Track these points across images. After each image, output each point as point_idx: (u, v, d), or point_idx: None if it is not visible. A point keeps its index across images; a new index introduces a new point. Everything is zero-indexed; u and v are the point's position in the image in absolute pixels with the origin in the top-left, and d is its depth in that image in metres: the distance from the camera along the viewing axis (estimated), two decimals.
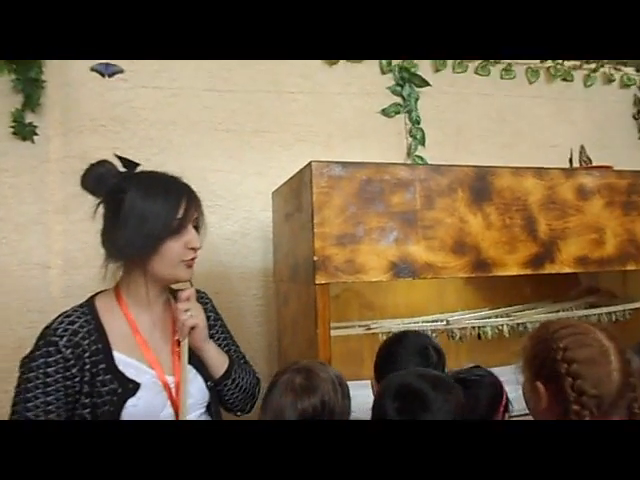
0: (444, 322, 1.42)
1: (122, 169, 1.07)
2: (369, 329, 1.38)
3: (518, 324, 1.47)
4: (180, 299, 1.05)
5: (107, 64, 1.71)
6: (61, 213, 1.67)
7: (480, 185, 1.35)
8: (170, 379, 1.02)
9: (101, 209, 1.06)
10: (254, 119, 1.88)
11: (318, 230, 1.22)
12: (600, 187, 1.47)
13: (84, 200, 1.66)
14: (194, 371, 1.06)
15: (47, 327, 1.01)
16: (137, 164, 1.09)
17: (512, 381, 1.10)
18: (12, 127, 1.63)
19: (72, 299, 1.63)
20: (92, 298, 1.07)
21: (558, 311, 1.59)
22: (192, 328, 1.03)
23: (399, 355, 1.20)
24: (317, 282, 1.21)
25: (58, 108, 1.69)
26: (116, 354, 1.00)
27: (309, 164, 1.24)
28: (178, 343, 1.06)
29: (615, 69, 2.35)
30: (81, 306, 1.05)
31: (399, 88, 2.04)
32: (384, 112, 2.03)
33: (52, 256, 1.65)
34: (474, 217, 1.34)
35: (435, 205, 1.31)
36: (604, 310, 1.59)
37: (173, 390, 1.02)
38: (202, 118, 1.82)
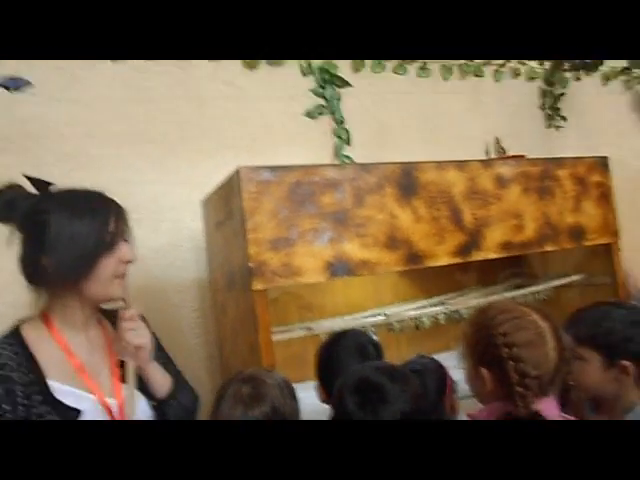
0: (382, 316, 1.45)
1: (34, 190, 1.01)
2: (310, 330, 1.38)
3: (453, 311, 1.52)
4: (123, 318, 1.02)
5: (12, 78, 1.61)
6: None
7: (407, 181, 1.39)
8: (111, 402, 0.99)
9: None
10: (176, 127, 1.83)
11: (251, 236, 1.21)
12: (516, 175, 1.56)
13: None
14: (136, 391, 1.03)
15: None
16: (49, 183, 1.03)
17: (455, 366, 1.15)
18: None
19: None
20: (16, 328, 1.00)
21: (488, 295, 1.67)
22: (138, 348, 1.01)
23: (339, 356, 1.22)
24: (254, 288, 1.20)
25: None
26: (51, 383, 0.95)
27: (237, 170, 1.23)
28: (119, 364, 1.03)
29: (520, 63, 2.50)
30: (5, 337, 0.98)
31: (321, 89, 2.06)
32: (308, 114, 2.04)
33: None
34: (403, 212, 1.38)
35: (365, 203, 1.34)
36: (529, 290, 1.68)
37: (115, 413, 0.98)
38: (121, 129, 1.75)
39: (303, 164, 1.30)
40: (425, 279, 1.93)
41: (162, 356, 1.16)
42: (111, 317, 1.12)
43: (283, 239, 1.24)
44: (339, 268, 1.29)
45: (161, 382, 1.07)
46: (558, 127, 2.56)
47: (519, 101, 2.50)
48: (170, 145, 1.82)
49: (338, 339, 1.29)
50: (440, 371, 1.27)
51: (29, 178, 1.02)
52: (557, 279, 1.77)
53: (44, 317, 1.01)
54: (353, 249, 1.31)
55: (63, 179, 1.07)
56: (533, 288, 1.68)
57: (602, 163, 1.73)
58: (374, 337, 1.29)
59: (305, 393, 1.08)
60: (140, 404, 1.03)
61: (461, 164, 1.48)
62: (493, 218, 1.50)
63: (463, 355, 1.01)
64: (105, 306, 1.13)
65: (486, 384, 0.91)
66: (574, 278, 1.76)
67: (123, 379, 1.02)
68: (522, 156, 1.64)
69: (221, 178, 1.42)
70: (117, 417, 0.98)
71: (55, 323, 1.01)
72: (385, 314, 1.46)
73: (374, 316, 1.48)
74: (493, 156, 1.72)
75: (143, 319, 1.12)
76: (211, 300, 1.69)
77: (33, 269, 0.98)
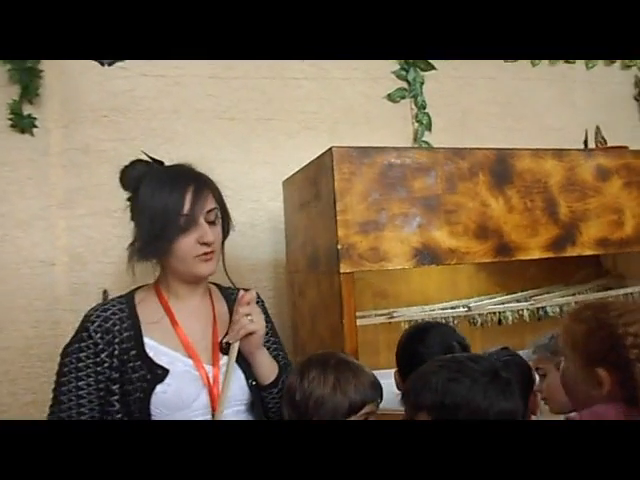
0: (465, 308, 1.40)
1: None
2: (391, 318, 1.35)
3: (538, 308, 1.45)
4: (241, 302, 1.02)
5: None
6: (64, 208, 1.61)
7: (501, 168, 1.33)
8: (208, 368, 1.00)
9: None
10: (259, 107, 1.83)
11: (341, 217, 1.18)
12: (618, 167, 1.46)
13: (87, 194, 1.64)
14: (235, 365, 1.03)
15: (85, 315, 1.01)
16: (161, 162, 1.08)
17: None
18: (10, 119, 1.56)
19: (78, 297, 1.61)
20: (132, 291, 1.08)
21: (574, 294, 1.58)
22: (250, 334, 1.01)
23: (424, 352, 1.16)
24: (342, 271, 1.17)
25: (57, 98, 1.63)
26: (147, 340, 0.99)
27: (329, 150, 1.20)
28: (220, 338, 1.04)
29: None
30: (120, 296, 1.06)
31: (404, 72, 2.01)
32: (389, 97, 1.99)
33: (57, 253, 1.59)
34: (495, 201, 1.32)
35: (457, 189, 1.28)
36: (621, 292, 1.58)
37: (210, 380, 0.99)
38: (206, 106, 1.77)
39: (395, 146, 1.26)
40: (502, 273, 1.86)
41: (274, 342, 1.16)
42: (225, 292, 1.14)
43: (372, 222, 1.21)
44: (426, 256, 1.25)
45: (267, 371, 1.06)
46: None
47: (612, 91, 2.34)
48: (252, 124, 1.82)
49: (423, 337, 1.21)
50: (526, 367, 1.21)
51: (146, 156, 1.07)
52: None
53: (155, 285, 1.07)
54: (442, 237, 1.26)
55: (149, 153, 1.09)
56: (627, 289, 1.58)
57: None
58: (462, 336, 1.23)
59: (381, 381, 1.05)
60: (236, 379, 1.02)
61: (560, 153, 1.39)
62: (591, 212, 1.41)
63: (565, 354, 0.94)
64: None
65: (603, 387, 0.85)
66: None
67: (225, 352, 1.02)
68: (625, 147, 1.53)
69: (301, 159, 1.41)
70: (211, 385, 0.98)
71: (162, 291, 1.05)
72: (468, 307, 1.40)
73: (456, 308, 1.43)
74: (592, 147, 1.62)
75: (259, 300, 1.12)
76: (287, 281, 1.69)
77: (132, 244, 1.03)
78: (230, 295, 1.13)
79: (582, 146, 1.76)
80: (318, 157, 1.29)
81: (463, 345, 1.19)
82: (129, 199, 1.06)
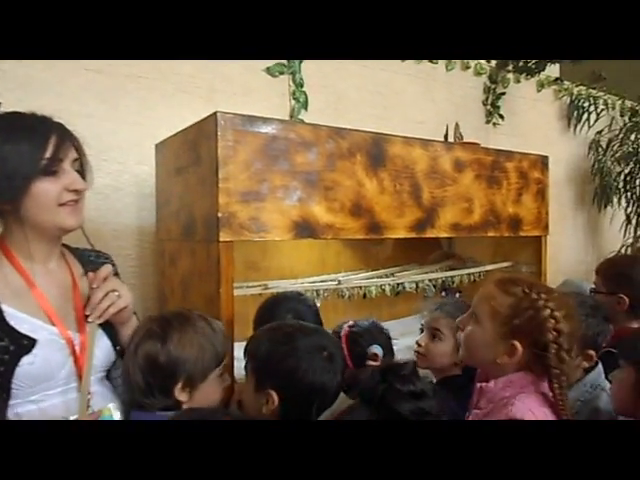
0: (336, 282, 1.47)
1: None
2: (266, 289, 1.37)
3: (398, 284, 1.58)
4: (98, 279, 0.95)
5: None
6: None
7: (376, 151, 1.41)
8: (74, 335, 0.93)
9: None
10: (130, 61, 1.69)
11: (223, 185, 1.16)
12: (471, 161, 1.63)
13: None
14: (100, 331, 0.97)
15: None
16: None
17: (409, 333, 1.19)
18: None
19: None
20: None
21: (428, 273, 1.75)
22: (122, 309, 0.96)
23: (275, 318, 1.22)
24: (221, 239, 1.16)
25: None
26: (5, 308, 0.87)
27: (214, 114, 1.17)
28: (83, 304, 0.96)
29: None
30: None
31: None
32: (268, 70, 1.98)
33: None
34: (370, 181, 1.39)
35: (336, 167, 1.33)
36: (464, 272, 1.78)
37: (77, 348, 0.92)
38: None
39: (281, 118, 1.26)
40: (367, 252, 1.99)
41: None
42: (79, 255, 1.06)
43: (254, 192, 1.20)
44: (305, 229, 1.28)
45: None
46: (495, 124, 2.71)
47: (465, 94, 2.61)
48: (121, 80, 1.68)
49: (275, 302, 1.31)
50: (387, 336, 1.32)
51: None
52: (489, 264, 1.89)
53: (0, 243, 0.93)
54: (320, 212, 1.30)
55: None
56: (469, 270, 1.78)
57: (543, 161, 1.86)
58: (314, 301, 1.32)
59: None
60: (102, 345, 0.97)
61: (426, 143, 1.52)
62: (448, 199, 1.56)
63: (478, 319, 0.99)
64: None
65: (514, 355, 0.93)
66: (504, 264, 1.89)
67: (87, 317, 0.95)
68: (477, 144, 1.72)
69: (174, 123, 1.34)
70: (78, 353, 0.92)
71: (13, 251, 0.93)
72: (338, 280, 1.47)
73: (327, 281, 1.50)
74: (451, 141, 1.79)
75: (112, 261, 1.08)
76: (156, 250, 1.61)
77: None
78: (88, 258, 1.06)
79: (443, 139, 1.94)
80: (200, 121, 1.24)
81: (312, 311, 1.29)
82: None
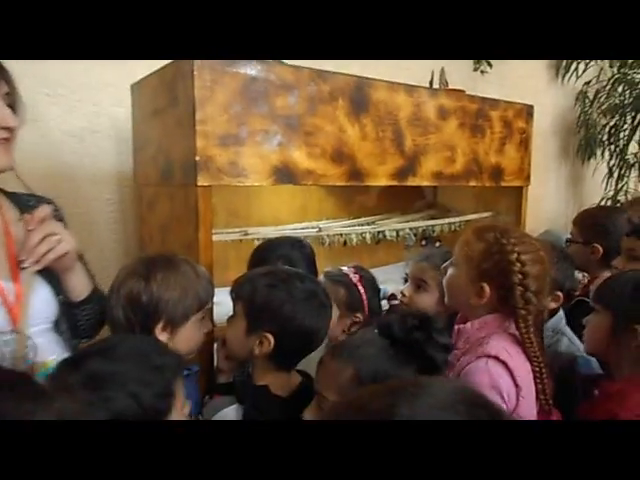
0: (317, 229, 1.47)
1: None
2: (245, 235, 1.36)
3: (378, 232, 1.58)
4: (34, 221, 0.86)
5: None
6: None
7: (358, 96, 1.37)
8: (7, 285, 0.86)
9: None
10: None
11: (200, 128, 1.13)
12: (455, 109, 1.61)
13: None
14: (39, 279, 0.90)
15: None
16: None
17: (390, 280, 1.20)
18: None
19: None
20: None
21: (409, 221, 1.75)
22: (62, 255, 0.88)
23: (269, 261, 1.23)
24: (199, 184, 1.14)
25: None
26: None
27: None
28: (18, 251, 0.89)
29: None
30: None
31: None
32: None
33: None
34: (352, 127, 1.37)
35: (317, 112, 1.30)
36: (445, 221, 1.79)
37: (11, 299, 0.86)
38: None
39: (262, 60, 1.22)
40: (349, 200, 1.98)
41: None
42: (15, 199, 0.98)
43: (233, 136, 1.18)
44: (285, 175, 1.27)
45: (80, 285, 0.97)
46: (483, 72, 2.66)
47: None
48: None
49: (272, 246, 1.30)
50: (373, 280, 1.33)
51: None
52: (469, 214, 1.90)
53: None
54: (300, 157, 1.28)
55: None
56: (450, 219, 1.79)
57: (528, 111, 1.84)
58: (311, 248, 1.31)
59: (225, 297, 1.08)
60: (41, 294, 0.92)
61: (410, 88, 1.49)
62: (430, 147, 1.55)
63: (456, 263, 1.03)
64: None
65: (483, 297, 0.97)
66: (484, 215, 1.90)
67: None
68: (462, 91, 1.69)
69: (151, 62, 1.28)
70: (12, 305, 0.86)
71: None
72: (319, 227, 1.47)
73: (307, 228, 1.50)
74: (436, 87, 1.75)
75: (56, 213, 0.98)
76: (133, 194, 1.58)
77: None
78: (27, 202, 0.97)
79: (428, 86, 1.90)
80: (176, 61, 1.19)
81: (305, 258, 1.29)
82: None
